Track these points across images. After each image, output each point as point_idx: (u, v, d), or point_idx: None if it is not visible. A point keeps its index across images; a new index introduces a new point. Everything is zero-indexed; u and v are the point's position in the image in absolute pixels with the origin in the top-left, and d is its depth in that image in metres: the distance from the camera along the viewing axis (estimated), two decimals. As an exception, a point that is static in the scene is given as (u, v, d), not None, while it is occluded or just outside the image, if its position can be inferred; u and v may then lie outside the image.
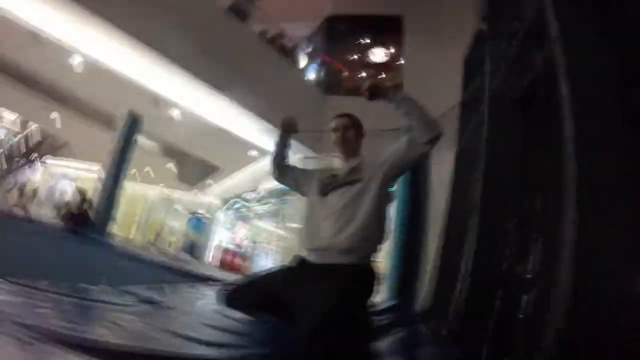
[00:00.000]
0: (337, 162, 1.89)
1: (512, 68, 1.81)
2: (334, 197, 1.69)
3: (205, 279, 2.85)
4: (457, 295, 2.03)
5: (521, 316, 1.74)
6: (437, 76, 6.36)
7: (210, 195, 14.89)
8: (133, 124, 4.94)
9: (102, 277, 2.14)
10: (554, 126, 1.47)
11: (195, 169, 11.70)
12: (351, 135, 1.85)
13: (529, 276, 1.73)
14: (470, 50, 3.93)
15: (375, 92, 1.59)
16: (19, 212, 7.23)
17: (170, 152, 10.86)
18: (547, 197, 1.78)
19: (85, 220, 4.26)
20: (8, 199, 9.92)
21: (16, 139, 12.91)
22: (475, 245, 1.99)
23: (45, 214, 8.14)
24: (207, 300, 1.89)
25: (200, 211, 15.46)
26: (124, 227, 15.77)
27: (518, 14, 2.34)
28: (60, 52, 5.23)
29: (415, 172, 3.06)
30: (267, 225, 12.95)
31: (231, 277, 3.61)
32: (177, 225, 16.02)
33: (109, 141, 5.10)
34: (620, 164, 1.33)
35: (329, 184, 1.75)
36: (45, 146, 14.20)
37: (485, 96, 2.27)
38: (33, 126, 12.27)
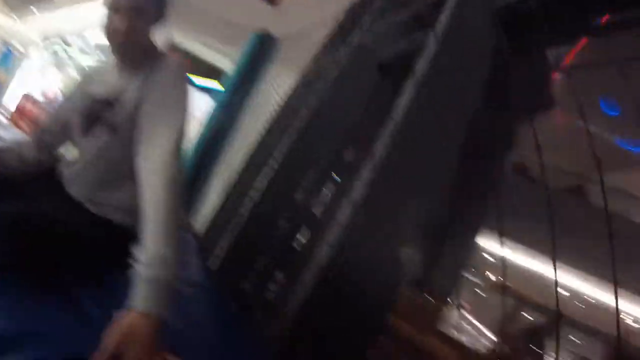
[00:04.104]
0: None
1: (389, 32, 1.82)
2: None
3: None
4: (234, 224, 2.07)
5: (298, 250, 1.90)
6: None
7: (30, 27, 12.22)
8: None
9: None
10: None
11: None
12: (143, 25, 1.03)
13: (317, 213, 1.92)
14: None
15: None
16: None
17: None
18: (358, 153, 1.95)
19: None
20: None
21: None
22: (272, 175, 2.05)
23: None
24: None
25: (13, 43, 12.68)
26: None
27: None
28: None
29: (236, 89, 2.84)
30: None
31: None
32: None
33: None
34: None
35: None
36: None
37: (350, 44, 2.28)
38: None
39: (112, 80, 1.09)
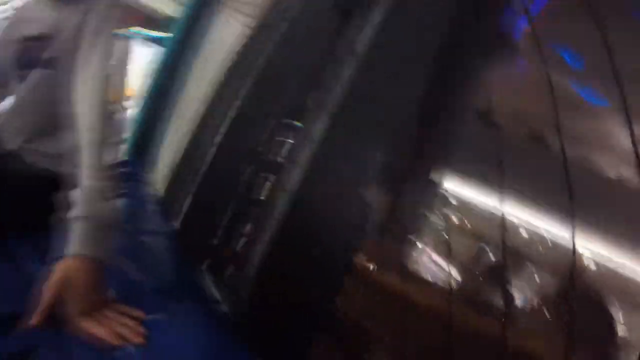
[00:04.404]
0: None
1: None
2: None
3: None
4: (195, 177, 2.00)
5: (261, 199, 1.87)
6: None
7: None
8: None
9: None
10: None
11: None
12: None
13: (279, 160, 1.88)
14: None
15: None
16: None
17: None
18: (318, 99, 1.90)
19: None
20: None
21: None
22: (230, 123, 1.97)
23: None
24: None
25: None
26: None
27: None
28: None
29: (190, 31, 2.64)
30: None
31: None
32: None
33: None
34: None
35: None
36: None
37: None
38: None
39: (45, 15, 1.00)
